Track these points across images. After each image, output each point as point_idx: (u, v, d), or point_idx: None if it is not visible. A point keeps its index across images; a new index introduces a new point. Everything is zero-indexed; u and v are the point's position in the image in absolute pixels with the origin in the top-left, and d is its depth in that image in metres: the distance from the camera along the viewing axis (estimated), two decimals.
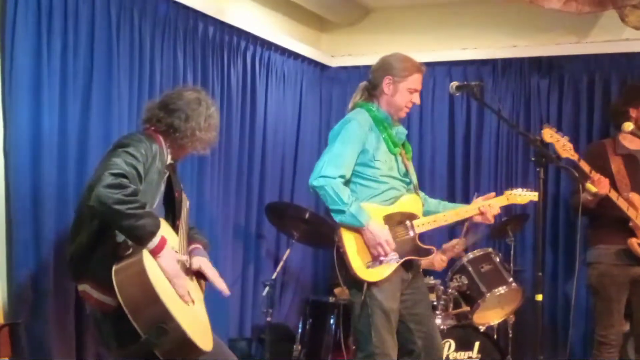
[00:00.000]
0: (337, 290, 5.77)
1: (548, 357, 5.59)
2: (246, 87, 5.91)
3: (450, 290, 5.06)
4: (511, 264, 5.47)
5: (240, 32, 5.77)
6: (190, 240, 3.50)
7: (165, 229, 3.20)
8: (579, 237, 4.60)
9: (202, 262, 3.43)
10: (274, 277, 5.31)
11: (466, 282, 5.09)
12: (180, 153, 3.48)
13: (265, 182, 6.14)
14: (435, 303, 4.99)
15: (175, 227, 3.40)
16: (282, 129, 6.36)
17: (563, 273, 6.00)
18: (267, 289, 5.20)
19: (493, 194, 4.16)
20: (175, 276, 3.14)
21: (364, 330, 3.78)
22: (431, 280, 5.08)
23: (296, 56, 6.53)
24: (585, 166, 4.51)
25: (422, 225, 3.91)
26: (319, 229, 5.37)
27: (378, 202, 3.85)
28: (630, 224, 4.68)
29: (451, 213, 4.03)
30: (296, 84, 6.57)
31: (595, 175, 4.53)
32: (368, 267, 3.75)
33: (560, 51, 6.23)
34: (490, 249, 5.29)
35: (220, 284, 3.47)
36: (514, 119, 6.23)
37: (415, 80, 3.93)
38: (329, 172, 3.73)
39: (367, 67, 6.52)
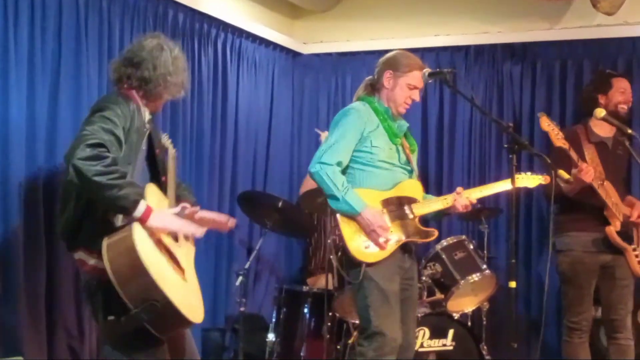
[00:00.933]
0: (310, 280, 5.84)
1: (522, 343, 5.62)
2: (217, 75, 5.92)
3: (424, 278, 5.04)
4: (485, 251, 5.47)
5: (211, 19, 5.77)
6: (178, 199, 3.44)
7: (153, 194, 3.18)
8: (551, 224, 4.70)
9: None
10: (247, 266, 5.31)
11: (440, 269, 5.07)
12: (158, 103, 3.43)
13: (238, 171, 6.15)
14: None
15: (161, 185, 3.37)
16: (254, 117, 6.37)
17: (536, 260, 6.02)
18: (240, 278, 5.20)
19: None
20: (179, 227, 3.19)
21: (363, 313, 3.85)
22: None
23: (268, 43, 6.53)
24: (574, 155, 4.55)
25: (421, 208, 3.99)
26: (292, 218, 5.41)
27: (376, 186, 3.91)
28: (606, 212, 4.70)
29: (450, 196, 4.10)
30: (268, 72, 6.57)
31: (583, 165, 4.56)
32: (366, 248, 3.81)
33: (532, 37, 6.28)
34: (463, 237, 5.28)
35: (223, 217, 3.54)
36: (486, 106, 6.26)
37: (415, 77, 3.98)
38: (326, 158, 3.81)
39: (340, 54, 6.66)
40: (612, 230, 4.70)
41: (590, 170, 4.57)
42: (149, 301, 2.96)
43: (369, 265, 3.82)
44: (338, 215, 3.84)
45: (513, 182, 3.83)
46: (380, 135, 3.95)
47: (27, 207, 4.21)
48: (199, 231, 3.24)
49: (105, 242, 2.99)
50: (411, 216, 3.95)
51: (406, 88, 3.99)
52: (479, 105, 5.89)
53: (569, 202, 4.82)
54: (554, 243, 4.90)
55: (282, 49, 6.74)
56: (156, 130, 3.47)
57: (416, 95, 4.03)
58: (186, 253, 3.35)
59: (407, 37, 6.39)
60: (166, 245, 3.15)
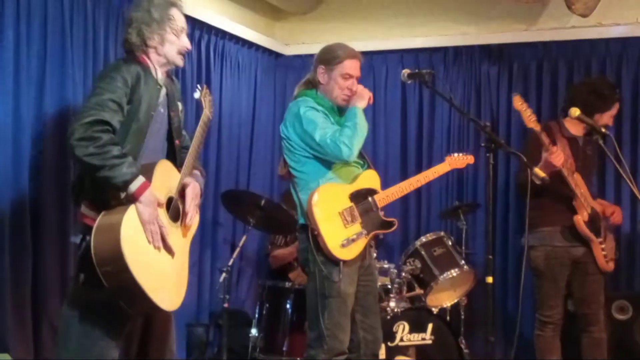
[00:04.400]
0: (292, 275, 5.78)
1: (499, 337, 5.68)
2: (201, 76, 5.89)
3: (404, 274, 5.10)
4: (463, 247, 5.53)
5: (195, 21, 5.74)
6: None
7: (161, 171, 3.23)
8: (527, 220, 4.69)
9: (190, 184, 3.43)
10: (230, 263, 5.26)
11: (419, 265, 5.16)
12: (169, 58, 3.41)
13: (221, 170, 6.12)
14: (389, 286, 5.05)
15: (174, 148, 3.42)
16: (237, 117, 6.36)
17: (513, 255, 6.06)
18: (223, 275, 5.18)
19: None
20: (148, 222, 3.13)
21: (316, 312, 3.83)
22: (385, 264, 5.13)
23: (250, 45, 6.53)
24: (545, 139, 4.57)
25: (383, 199, 4.03)
26: (275, 216, 5.38)
27: (338, 180, 3.93)
28: (574, 202, 4.74)
29: (404, 183, 4.20)
30: (251, 73, 6.57)
31: (554, 148, 4.58)
32: (342, 246, 3.81)
33: (509, 39, 6.31)
34: (442, 233, 5.36)
35: (190, 211, 3.43)
36: (465, 106, 6.32)
37: (348, 66, 3.95)
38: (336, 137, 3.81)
39: None
40: (580, 219, 4.72)
41: (560, 155, 4.58)
42: (122, 286, 3.03)
43: (345, 263, 3.82)
44: (314, 215, 3.79)
45: (489, 180, 3.81)
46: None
47: (13, 205, 4.20)
48: (156, 242, 3.18)
49: (97, 223, 3.06)
50: (375, 208, 3.99)
51: (341, 79, 3.94)
52: (457, 105, 6.02)
53: (538, 198, 4.81)
54: (525, 239, 4.89)
55: (264, 50, 6.74)
56: (174, 92, 3.49)
57: (353, 85, 3.96)
58: (179, 237, 3.37)
59: (386, 39, 6.43)
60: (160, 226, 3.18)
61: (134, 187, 3.08)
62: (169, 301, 3.25)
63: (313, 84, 4.04)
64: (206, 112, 3.53)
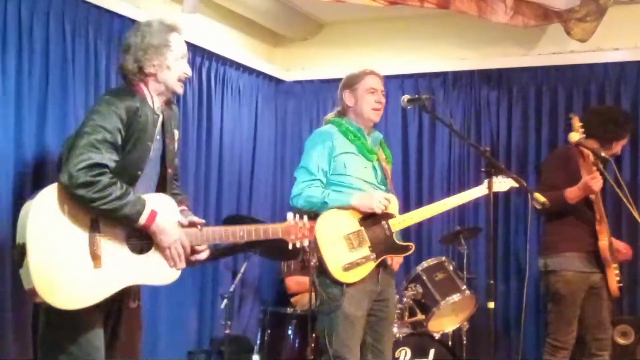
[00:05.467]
0: (294, 300, 5.80)
1: None
2: (202, 102, 5.92)
3: (405, 299, 5.10)
4: (464, 272, 5.52)
5: (196, 47, 5.77)
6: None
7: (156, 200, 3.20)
8: (528, 245, 4.73)
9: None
10: (232, 289, 5.25)
11: (421, 290, 5.13)
12: (169, 85, 3.33)
13: (222, 196, 6.11)
14: None
15: (166, 175, 3.38)
16: (239, 143, 6.37)
17: (515, 280, 6.05)
18: (225, 301, 5.14)
19: None
20: (167, 248, 3.16)
21: (324, 335, 3.85)
22: None
23: (251, 71, 6.56)
24: (589, 162, 4.61)
25: (399, 223, 4.02)
26: (277, 242, 5.22)
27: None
28: (598, 226, 4.72)
29: (424, 208, 4.22)
30: (251, 98, 6.59)
31: (596, 172, 4.63)
32: (345, 269, 3.83)
33: (508, 63, 6.33)
34: (443, 258, 5.34)
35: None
36: (465, 130, 6.34)
37: (370, 81, 4.06)
38: (297, 190, 3.95)
39: (322, 80, 6.68)
40: (606, 245, 4.70)
41: (600, 180, 4.62)
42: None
43: (349, 286, 3.83)
44: (316, 239, 3.78)
45: (490, 205, 3.74)
46: (353, 156, 3.99)
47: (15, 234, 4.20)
48: (177, 262, 3.19)
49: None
50: (389, 232, 3.98)
51: (367, 95, 4.04)
52: (457, 130, 6.05)
53: (560, 221, 4.82)
54: (545, 263, 4.88)
55: (265, 76, 6.76)
56: (171, 119, 3.42)
57: (381, 97, 4.08)
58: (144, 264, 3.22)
59: (387, 64, 6.34)
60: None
61: (142, 220, 3.09)
62: (64, 297, 3.07)
63: (342, 113, 4.13)
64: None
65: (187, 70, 3.36)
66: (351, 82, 4.09)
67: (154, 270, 3.21)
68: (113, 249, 3.11)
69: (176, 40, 3.33)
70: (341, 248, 3.87)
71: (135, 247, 3.18)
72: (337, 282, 3.84)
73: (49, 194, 3.04)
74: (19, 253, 3.02)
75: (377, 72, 4.13)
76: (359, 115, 4.06)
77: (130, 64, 3.27)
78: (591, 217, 4.74)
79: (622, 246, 4.99)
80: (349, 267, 3.84)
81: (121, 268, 3.12)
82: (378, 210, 3.92)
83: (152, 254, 3.20)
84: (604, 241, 4.71)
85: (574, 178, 4.66)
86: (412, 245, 4.07)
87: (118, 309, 3.27)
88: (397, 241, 4.01)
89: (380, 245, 3.95)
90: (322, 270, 3.86)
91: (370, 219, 3.96)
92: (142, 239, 3.19)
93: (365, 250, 3.91)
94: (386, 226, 3.99)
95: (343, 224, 3.92)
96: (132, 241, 3.17)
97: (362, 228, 3.94)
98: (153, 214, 3.12)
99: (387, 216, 4.00)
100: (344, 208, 3.93)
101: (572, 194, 4.67)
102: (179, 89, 3.36)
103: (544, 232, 5.15)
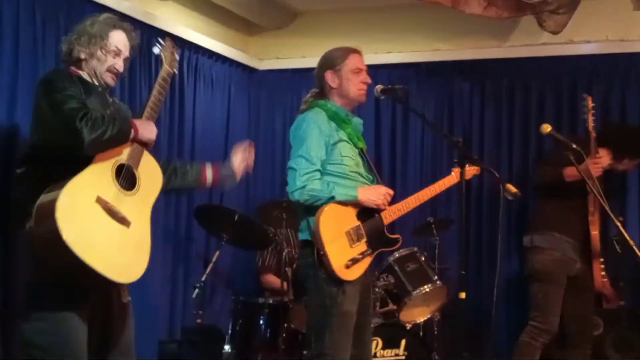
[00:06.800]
0: (264, 277, 5.90)
1: (473, 352, 5.75)
2: (174, 91, 5.92)
3: (377, 290, 5.09)
4: (436, 263, 5.56)
5: (169, 35, 5.65)
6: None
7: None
8: (499, 236, 4.80)
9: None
10: (203, 279, 5.31)
11: (392, 281, 5.15)
12: (98, 73, 3.41)
13: None
14: None
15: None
16: (211, 132, 6.39)
17: (487, 270, 6.12)
18: (196, 290, 5.21)
19: None
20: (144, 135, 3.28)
21: (318, 331, 3.81)
22: None
23: (224, 60, 6.58)
24: (594, 142, 4.77)
25: (389, 216, 3.98)
26: (249, 231, 5.42)
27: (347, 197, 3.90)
28: (591, 217, 4.82)
29: (411, 198, 4.14)
30: (224, 87, 6.61)
31: (601, 157, 4.80)
32: (347, 267, 3.77)
33: (481, 55, 6.40)
34: (415, 248, 5.36)
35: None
36: (438, 121, 6.38)
37: (354, 61, 3.95)
38: (301, 182, 3.79)
39: (295, 70, 6.67)
40: (597, 236, 4.80)
41: (600, 168, 4.74)
42: (67, 265, 3.01)
43: (347, 283, 3.78)
44: (321, 235, 3.74)
45: (462, 195, 3.91)
46: (345, 144, 3.91)
47: None
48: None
49: (36, 204, 3.04)
50: (382, 226, 3.96)
51: (352, 75, 3.93)
52: (430, 121, 6.08)
53: (556, 202, 4.90)
54: (531, 239, 4.94)
55: (238, 65, 6.78)
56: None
57: (366, 77, 3.98)
58: (140, 201, 3.31)
59: None
60: (106, 202, 3.14)
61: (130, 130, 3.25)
62: (126, 273, 3.21)
63: (322, 94, 4.00)
64: (165, 67, 3.49)
65: (118, 67, 3.41)
66: (333, 62, 3.96)
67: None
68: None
69: (116, 37, 3.40)
70: (343, 245, 3.82)
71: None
72: (336, 279, 3.77)
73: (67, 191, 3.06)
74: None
75: (358, 49, 4.02)
76: (345, 96, 3.96)
77: (63, 47, 3.39)
78: (586, 207, 4.81)
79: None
80: (350, 265, 3.78)
81: None
82: (383, 206, 3.91)
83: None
84: (595, 232, 4.80)
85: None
86: (400, 237, 4.06)
87: (106, 306, 3.30)
88: (388, 234, 4.00)
89: (375, 239, 3.92)
90: (321, 265, 3.77)
91: (365, 213, 3.92)
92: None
93: (363, 246, 3.87)
94: (380, 220, 3.96)
95: (343, 219, 3.86)
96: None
97: (360, 222, 3.89)
98: (135, 128, 3.25)
99: (378, 209, 3.97)
100: (347, 203, 3.88)
101: (571, 171, 4.72)
102: (109, 80, 3.41)
103: (536, 209, 5.22)
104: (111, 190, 3.17)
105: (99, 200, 3.11)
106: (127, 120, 3.26)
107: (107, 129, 3.10)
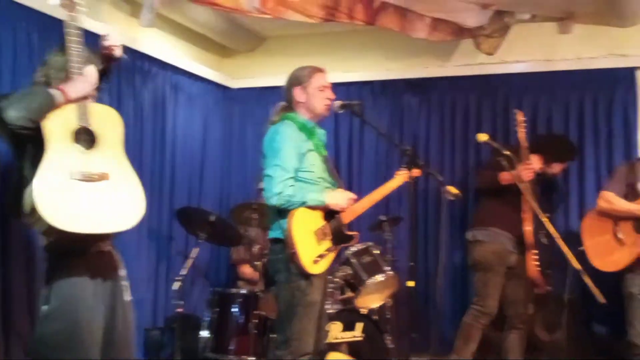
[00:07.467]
0: (240, 283, 6.05)
1: (421, 333, 5.67)
2: (157, 107, 6.11)
3: (336, 279, 5.26)
4: (389, 255, 5.61)
5: (151, 59, 6.00)
6: None
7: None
8: (442, 230, 5.11)
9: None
10: (184, 273, 5.34)
11: (350, 271, 5.32)
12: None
13: (175, 190, 6.29)
14: None
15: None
16: (190, 143, 6.57)
17: (432, 261, 6.33)
18: (177, 283, 5.27)
19: None
20: (75, 91, 3.21)
21: (286, 318, 3.95)
22: None
23: (202, 79, 6.76)
24: (526, 152, 4.95)
25: (347, 215, 4.12)
26: (223, 230, 5.55)
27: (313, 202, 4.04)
28: (524, 214, 5.00)
29: (364, 200, 4.24)
30: (202, 104, 6.78)
31: (532, 164, 4.98)
32: (315, 262, 3.93)
33: (427, 73, 6.58)
34: (370, 243, 5.50)
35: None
36: (389, 132, 6.56)
37: (319, 79, 4.07)
38: (279, 188, 3.88)
39: (265, 88, 6.78)
40: (530, 231, 4.96)
41: (530, 172, 4.95)
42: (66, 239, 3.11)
43: (315, 276, 3.95)
44: (292, 235, 3.86)
45: (412, 195, 4.25)
46: (313, 153, 4.02)
47: None
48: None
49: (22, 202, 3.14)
50: (342, 225, 4.10)
51: (318, 92, 4.04)
52: (383, 132, 6.26)
53: (493, 201, 5.09)
54: (473, 234, 5.09)
55: (214, 84, 6.95)
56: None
57: (330, 94, 4.09)
58: (108, 149, 3.27)
59: None
60: (78, 172, 3.13)
61: (58, 95, 3.18)
62: (125, 218, 3.23)
63: (290, 108, 4.09)
64: (67, 15, 3.33)
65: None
66: (301, 80, 4.04)
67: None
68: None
69: (89, 70, 3.35)
70: (311, 243, 3.96)
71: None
72: (305, 274, 3.90)
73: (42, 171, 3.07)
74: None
75: (322, 68, 4.12)
76: (311, 111, 4.05)
77: (37, 77, 3.38)
78: (520, 205, 5.01)
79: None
80: (317, 260, 3.94)
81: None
82: (346, 208, 4.05)
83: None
84: (528, 227, 4.99)
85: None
86: (356, 234, 4.17)
87: (113, 302, 3.43)
88: (346, 232, 4.12)
89: (337, 236, 4.06)
90: (291, 261, 3.90)
91: (328, 213, 4.05)
92: None
93: (328, 243, 4.03)
94: (340, 219, 4.07)
95: (311, 220, 3.99)
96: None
97: (326, 222, 4.02)
98: (60, 90, 3.20)
99: (338, 210, 4.09)
100: (315, 207, 4.00)
101: (505, 176, 5.01)
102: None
103: (477, 208, 5.40)
104: (78, 158, 3.16)
105: (72, 174, 3.13)
106: (44, 89, 3.16)
107: (26, 100, 3.07)
